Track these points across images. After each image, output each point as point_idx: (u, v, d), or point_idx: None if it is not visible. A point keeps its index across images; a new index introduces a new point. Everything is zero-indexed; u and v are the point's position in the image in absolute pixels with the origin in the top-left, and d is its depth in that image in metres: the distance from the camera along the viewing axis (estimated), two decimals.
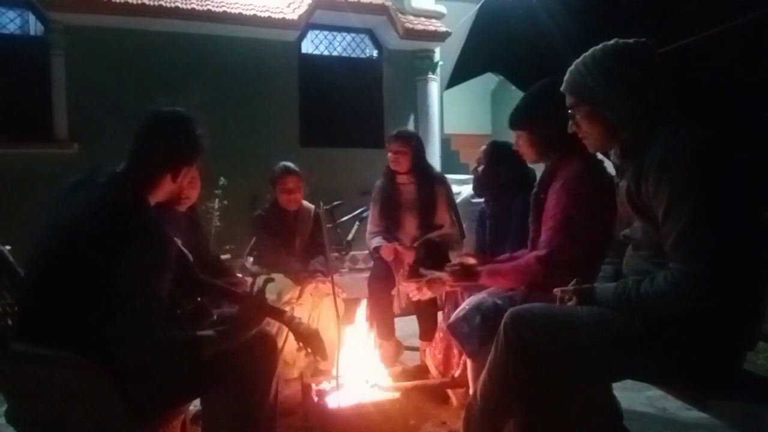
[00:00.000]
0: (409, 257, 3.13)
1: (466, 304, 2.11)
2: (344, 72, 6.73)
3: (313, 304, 3.03)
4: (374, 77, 6.93)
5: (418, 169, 3.27)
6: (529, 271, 1.93)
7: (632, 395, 2.57)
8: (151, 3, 5.56)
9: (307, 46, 6.70)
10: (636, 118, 1.50)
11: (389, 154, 3.27)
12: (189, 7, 5.70)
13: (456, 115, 9.47)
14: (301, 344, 1.91)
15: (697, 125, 1.43)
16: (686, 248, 1.35)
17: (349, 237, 5.90)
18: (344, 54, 6.88)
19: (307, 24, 6.30)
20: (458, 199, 3.48)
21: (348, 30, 6.78)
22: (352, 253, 5.99)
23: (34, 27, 5.66)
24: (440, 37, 6.87)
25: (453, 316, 2.05)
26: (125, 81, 5.62)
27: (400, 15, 6.63)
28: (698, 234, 1.33)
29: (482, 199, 2.93)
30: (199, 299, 2.00)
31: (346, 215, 5.90)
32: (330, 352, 2.10)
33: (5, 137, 5.26)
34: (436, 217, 3.26)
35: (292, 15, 6.11)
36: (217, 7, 5.85)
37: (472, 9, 7.88)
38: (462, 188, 5.13)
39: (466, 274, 2.13)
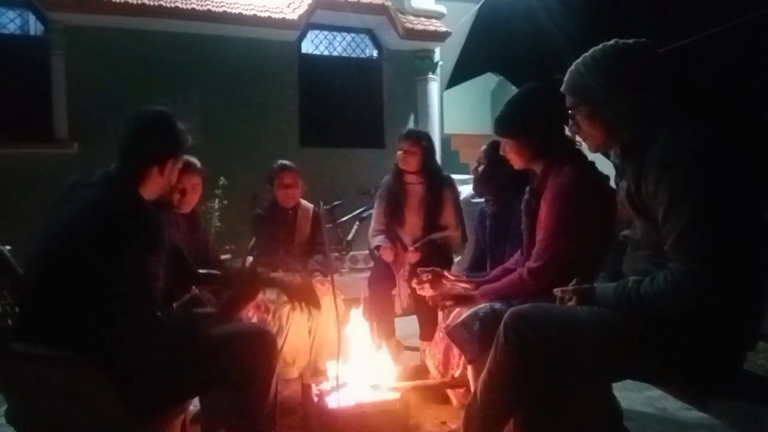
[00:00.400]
0: (412, 258, 3.13)
1: (464, 308, 2.11)
2: (344, 72, 6.74)
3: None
4: (374, 77, 6.93)
5: (427, 169, 3.25)
6: (523, 284, 1.93)
7: (632, 395, 2.57)
8: (151, 3, 5.56)
9: (307, 46, 6.70)
10: (636, 118, 1.50)
11: (399, 153, 3.26)
12: (189, 7, 5.71)
13: (456, 115, 9.47)
14: (294, 301, 1.93)
15: (697, 125, 1.43)
16: (686, 248, 1.35)
17: (349, 237, 5.92)
18: (344, 54, 6.88)
19: (307, 24, 6.30)
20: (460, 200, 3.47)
21: (348, 30, 6.79)
22: (352, 253, 6.00)
23: (34, 27, 5.67)
24: (440, 37, 6.87)
25: (452, 322, 2.04)
26: (125, 81, 5.62)
27: (400, 15, 6.63)
28: (698, 234, 1.33)
29: (482, 199, 2.93)
30: (195, 291, 2.02)
31: (346, 215, 5.91)
32: (330, 352, 2.11)
33: (5, 137, 5.26)
34: (441, 219, 3.25)
35: (292, 15, 6.11)
36: (217, 7, 5.85)
37: (472, 9, 7.88)
38: (462, 188, 5.10)
39: (463, 301, 2.15)
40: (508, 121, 2.02)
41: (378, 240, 3.26)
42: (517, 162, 2.06)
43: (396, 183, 3.29)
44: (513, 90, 8.72)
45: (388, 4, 6.48)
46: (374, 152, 6.68)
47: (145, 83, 5.69)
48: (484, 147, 2.83)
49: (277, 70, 6.34)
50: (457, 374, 2.56)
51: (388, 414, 2.21)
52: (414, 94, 7.03)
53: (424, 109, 7.00)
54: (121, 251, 1.42)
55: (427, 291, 2.47)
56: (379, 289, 3.18)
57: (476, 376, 1.84)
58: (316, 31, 6.70)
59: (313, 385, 2.37)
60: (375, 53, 7.00)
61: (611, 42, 1.55)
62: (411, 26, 6.65)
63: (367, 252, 5.18)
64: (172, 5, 5.65)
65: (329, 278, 2.40)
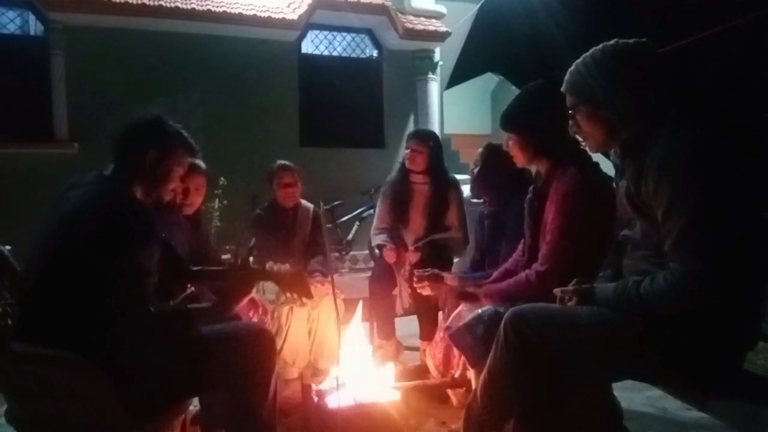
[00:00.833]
0: (413, 258, 3.13)
1: (465, 307, 2.11)
2: (344, 72, 6.74)
3: (312, 304, 3.03)
4: (374, 77, 6.93)
5: (434, 170, 3.24)
6: (529, 287, 1.90)
7: (632, 395, 2.57)
8: (151, 3, 5.56)
9: (307, 46, 6.71)
10: (636, 118, 1.50)
11: (406, 152, 3.25)
12: (189, 7, 5.71)
13: (456, 115, 9.46)
14: (286, 290, 1.94)
15: (697, 125, 1.43)
16: (686, 248, 1.35)
17: (349, 237, 5.92)
18: (344, 54, 6.88)
19: (307, 24, 6.30)
20: None
21: (348, 30, 6.79)
22: (352, 253, 6.00)
23: (34, 27, 5.67)
24: (440, 37, 6.87)
25: (454, 326, 2.03)
26: (125, 81, 5.63)
27: (400, 15, 6.64)
28: (698, 234, 1.33)
29: (481, 200, 2.95)
30: (190, 288, 2.03)
31: (346, 215, 5.91)
32: (330, 352, 2.11)
33: (5, 137, 5.26)
34: (445, 220, 3.25)
35: (292, 15, 6.11)
36: (217, 7, 5.85)
37: (472, 9, 7.88)
38: (462, 188, 5.12)
39: (467, 298, 2.14)
40: (512, 117, 2.02)
41: (380, 239, 3.25)
42: (519, 158, 2.05)
43: (401, 182, 3.29)
44: (513, 90, 8.75)
45: (388, 4, 6.48)
46: (374, 152, 6.68)
47: (145, 83, 5.70)
48: (480, 149, 2.85)
49: (277, 70, 6.34)
50: (457, 374, 2.56)
51: (388, 414, 2.21)
52: (414, 94, 7.03)
53: (424, 109, 7.00)
54: (120, 250, 1.42)
55: (426, 291, 2.48)
56: (380, 289, 3.18)
57: (478, 376, 1.84)
58: (316, 31, 6.70)
59: (313, 385, 2.37)
60: (375, 53, 7.00)
61: (611, 42, 1.55)
62: (411, 26, 6.66)
63: (367, 252, 5.18)
64: (172, 5, 5.65)
65: (329, 278, 2.40)
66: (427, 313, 3.17)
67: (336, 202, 5.64)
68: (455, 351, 2.54)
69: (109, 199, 1.53)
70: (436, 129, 7.10)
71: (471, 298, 2.15)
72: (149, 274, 1.52)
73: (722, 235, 1.33)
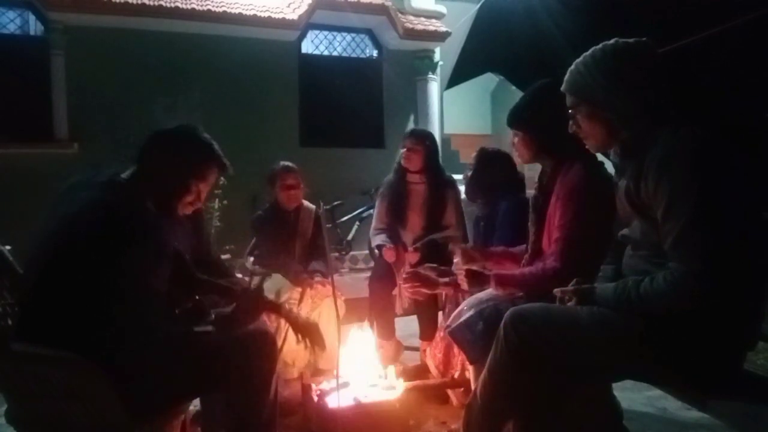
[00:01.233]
0: (413, 258, 3.13)
1: (465, 306, 2.10)
2: (344, 72, 6.74)
3: (312, 305, 3.03)
4: (374, 77, 6.93)
5: (430, 169, 3.25)
6: (545, 280, 1.86)
7: (632, 395, 2.57)
8: (151, 3, 5.56)
9: (307, 46, 6.70)
10: (636, 118, 1.50)
11: (402, 151, 3.26)
12: (189, 7, 5.71)
13: (456, 115, 9.47)
14: (299, 337, 1.91)
15: (697, 125, 1.43)
16: (686, 248, 1.35)
17: (349, 237, 5.92)
18: (344, 54, 6.88)
19: (307, 24, 6.30)
20: None
21: (348, 30, 6.79)
22: (352, 253, 6.00)
23: (34, 27, 5.67)
24: (440, 37, 6.87)
25: (454, 323, 2.03)
26: (125, 81, 5.63)
27: (400, 15, 6.64)
28: (698, 234, 1.33)
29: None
30: (197, 298, 2.01)
31: (346, 215, 5.92)
32: (330, 352, 2.10)
33: (5, 137, 5.26)
34: (443, 219, 3.25)
35: (292, 15, 6.11)
36: (217, 7, 5.85)
37: (472, 9, 7.88)
38: (462, 188, 5.13)
39: (477, 281, 2.10)
40: (517, 114, 2.05)
41: (379, 239, 3.26)
42: (524, 155, 2.07)
43: (399, 182, 3.29)
44: (513, 90, 8.75)
45: (388, 4, 6.48)
46: (374, 152, 6.68)
47: (145, 83, 5.70)
48: (474, 153, 2.92)
49: (277, 70, 6.34)
50: (457, 374, 2.56)
51: (388, 414, 2.21)
52: (414, 94, 7.03)
53: (424, 109, 7.00)
54: (120, 251, 1.42)
55: (421, 295, 2.46)
56: (380, 289, 3.18)
57: (477, 376, 1.84)
58: (316, 31, 6.70)
59: (313, 385, 2.37)
60: (375, 53, 7.00)
61: (611, 41, 1.55)
62: (411, 26, 6.66)
63: (367, 252, 5.18)
64: (172, 5, 5.65)
65: (329, 279, 2.40)
66: (427, 313, 3.17)
67: (336, 202, 5.64)
68: (455, 351, 2.55)
69: (111, 202, 1.52)
70: (436, 129, 7.11)
71: (480, 280, 2.09)
72: (155, 280, 1.50)
73: (722, 235, 1.33)
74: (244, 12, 5.91)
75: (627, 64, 1.50)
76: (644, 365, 1.49)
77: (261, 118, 6.23)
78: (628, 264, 1.60)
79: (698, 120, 1.45)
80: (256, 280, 1.91)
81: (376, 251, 3.32)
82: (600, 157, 1.91)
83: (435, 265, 2.28)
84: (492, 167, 2.81)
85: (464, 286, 2.09)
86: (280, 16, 6.09)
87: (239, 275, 3.02)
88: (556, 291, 1.65)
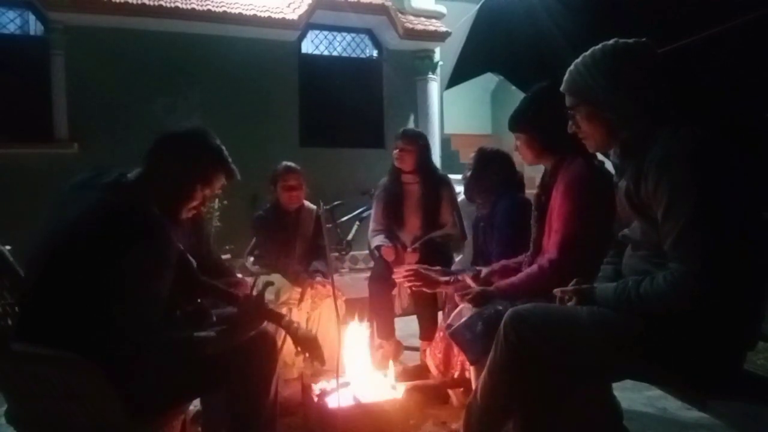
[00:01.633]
0: (411, 258, 3.13)
1: (465, 306, 2.10)
2: (344, 72, 6.74)
3: (312, 305, 3.04)
4: (374, 77, 6.93)
5: (423, 169, 3.27)
6: (543, 275, 1.90)
7: (632, 395, 2.57)
8: (151, 3, 5.56)
9: (307, 46, 6.70)
10: (636, 118, 1.50)
11: (395, 152, 3.27)
12: (189, 7, 5.71)
13: (456, 115, 9.46)
14: (299, 349, 1.91)
15: (697, 125, 1.43)
16: (686, 248, 1.35)
17: (349, 237, 5.92)
18: (344, 54, 6.88)
19: (307, 24, 6.30)
20: (458, 200, 3.49)
21: (348, 30, 6.79)
22: (352, 253, 6.00)
23: (34, 27, 5.67)
24: (440, 37, 6.87)
25: (453, 322, 2.03)
26: (125, 81, 5.63)
27: (400, 15, 6.63)
28: (698, 234, 1.33)
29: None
30: (198, 301, 2.00)
31: (347, 215, 5.91)
32: (330, 352, 2.10)
33: (5, 137, 5.26)
34: (439, 217, 3.26)
35: (292, 15, 6.11)
36: (217, 7, 5.85)
37: (472, 9, 7.88)
38: (462, 188, 5.13)
39: (484, 298, 2.10)
40: (517, 117, 2.08)
41: (378, 240, 3.26)
42: (527, 157, 2.11)
43: (393, 183, 3.31)
44: (513, 90, 8.74)
45: (388, 4, 6.48)
46: (374, 152, 6.67)
47: (145, 83, 5.70)
48: (472, 154, 2.92)
49: (277, 70, 6.34)
50: (456, 374, 2.56)
51: (388, 414, 2.21)
52: (414, 94, 7.03)
53: (424, 109, 7.00)
54: (121, 252, 1.42)
55: (420, 288, 2.47)
56: (379, 289, 3.18)
57: (478, 376, 1.84)
58: (316, 31, 6.70)
59: (313, 385, 2.37)
60: (375, 53, 7.00)
61: (611, 42, 1.55)
62: (411, 26, 6.65)
63: (367, 252, 5.18)
64: (172, 5, 5.65)
65: (329, 279, 2.40)
66: (427, 313, 3.17)
67: (336, 202, 5.64)
68: (455, 351, 2.55)
69: (117, 204, 1.52)
70: (436, 129, 7.11)
71: (486, 298, 2.09)
72: (160, 283, 1.50)
73: (722, 235, 1.33)
74: (244, 12, 5.91)
75: (626, 65, 1.50)
76: (644, 365, 1.49)
77: (261, 118, 6.23)
78: (628, 264, 1.60)
79: (698, 120, 1.45)
80: (259, 284, 1.90)
81: (376, 252, 3.32)
82: (600, 157, 1.92)
83: (438, 267, 2.31)
84: (491, 167, 2.81)
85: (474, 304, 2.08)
86: (280, 16, 6.09)
87: (239, 275, 3.01)
88: (556, 291, 1.65)
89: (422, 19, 6.89)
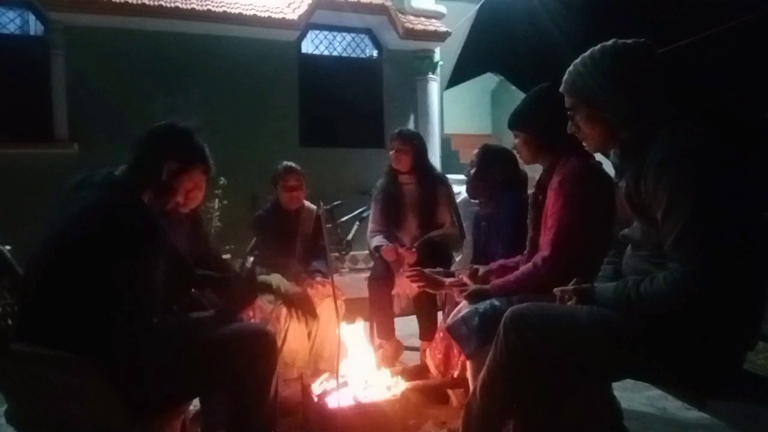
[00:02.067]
0: (410, 258, 3.13)
1: (463, 305, 2.11)
2: (344, 72, 6.73)
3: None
4: (374, 77, 6.93)
5: (420, 168, 3.29)
6: (537, 273, 1.92)
7: (632, 395, 2.57)
8: (151, 3, 5.56)
9: (307, 46, 6.70)
10: (635, 119, 1.50)
11: (391, 152, 3.28)
12: (189, 7, 5.71)
13: (456, 115, 9.47)
14: (292, 311, 1.93)
15: (697, 125, 1.43)
16: (686, 248, 1.35)
17: (349, 237, 5.92)
18: (344, 54, 6.88)
19: (307, 24, 6.30)
20: (458, 199, 3.49)
21: (348, 30, 6.79)
22: (352, 253, 6.00)
23: (34, 27, 5.67)
24: (440, 37, 6.87)
25: (451, 318, 2.05)
26: (125, 81, 5.63)
27: (400, 15, 6.64)
28: (698, 234, 1.33)
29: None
30: (194, 291, 2.02)
31: (346, 215, 5.91)
32: (330, 352, 2.11)
33: (5, 137, 5.26)
34: (437, 217, 3.27)
35: (292, 15, 6.11)
36: (217, 7, 5.85)
37: (472, 9, 7.88)
38: (462, 188, 5.11)
39: (480, 296, 2.11)
40: (517, 116, 2.11)
41: (377, 240, 3.27)
42: (525, 156, 2.14)
43: (391, 184, 3.32)
44: (513, 90, 8.75)
45: (388, 4, 6.48)
46: (374, 152, 6.66)
47: (145, 83, 5.70)
48: (476, 150, 2.90)
49: (277, 70, 6.34)
50: (456, 374, 2.56)
51: (388, 414, 2.21)
52: (414, 94, 7.03)
53: (424, 109, 7.00)
54: (121, 252, 1.42)
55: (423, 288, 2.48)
56: (379, 289, 3.18)
57: (476, 373, 1.85)
58: (316, 31, 6.70)
59: (313, 385, 2.37)
60: (375, 53, 7.00)
61: (610, 42, 1.55)
62: (411, 26, 6.66)
63: (367, 252, 5.19)
64: (172, 5, 5.65)
65: (329, 279, 2.40)
66: (427, 313, 3.17)
67: (336, 202, 5.64)
68: (455, 351, 2.55)
69: (114, 203, 1.52)
70: (436, 129, 7.11)
71: (481, 295, 2.11)
72: (155, 281, 1.51)
73: (722, 235, 1.33)
74: (244, 12, 5.91)
75: (626, 65, 1.50)
76: (644, 365, 1.49)
77: (261, 118, 6.23)
78: (628, 264, 1.60)
79: (698, 120, 1.45)
80: (248, 262, 1.94)
81: (376, 252, 3.33)
82: (600, 157, 1.92)
83: (440, 269, 2.32)
84: (494, 165, 2.77)
85: (470, 302, 2.10)
86: (280, 16, 6.09)
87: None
88: (556, 291, 1.65)
89: (422, 19, 6.89)
